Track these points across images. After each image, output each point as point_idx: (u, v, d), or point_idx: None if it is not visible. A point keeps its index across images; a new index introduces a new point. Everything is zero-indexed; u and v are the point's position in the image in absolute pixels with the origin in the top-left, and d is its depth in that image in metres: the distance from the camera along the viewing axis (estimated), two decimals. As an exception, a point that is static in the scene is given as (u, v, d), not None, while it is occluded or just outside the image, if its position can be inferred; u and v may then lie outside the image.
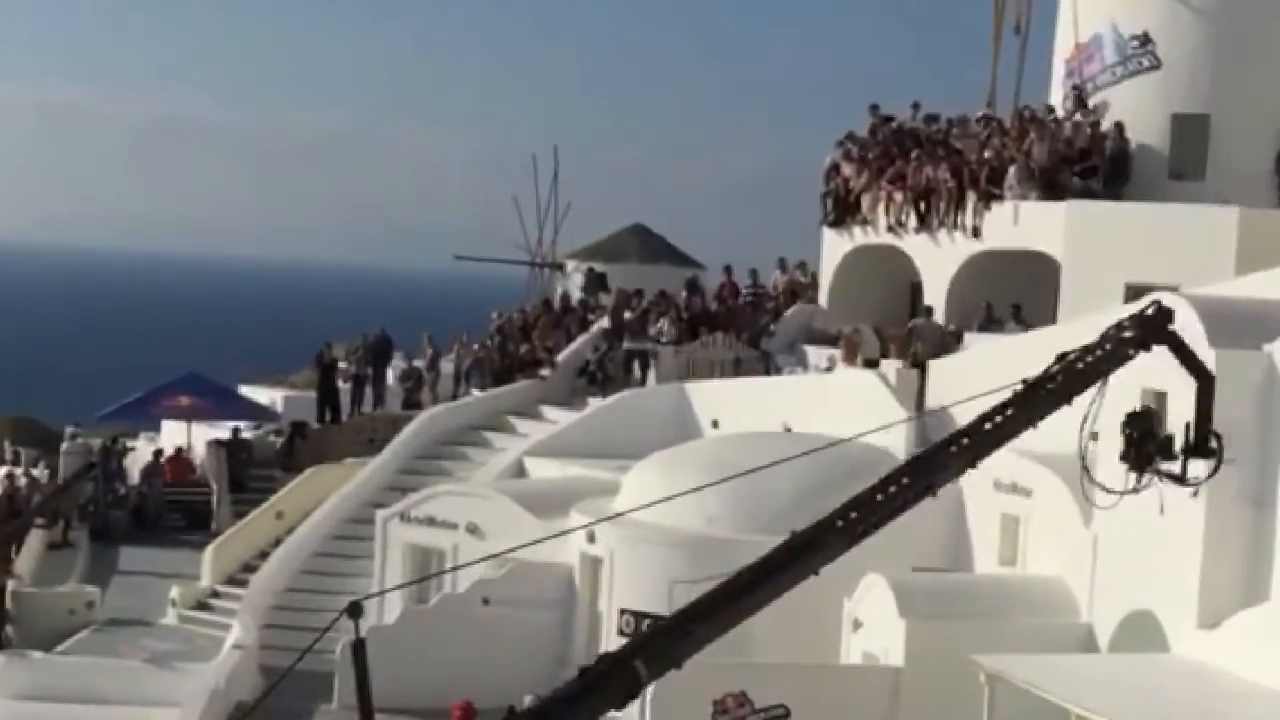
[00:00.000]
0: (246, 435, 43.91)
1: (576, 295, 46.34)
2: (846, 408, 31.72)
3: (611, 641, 28.69)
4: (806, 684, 24.07)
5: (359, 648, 15.97)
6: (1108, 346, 18.82)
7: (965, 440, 17.82)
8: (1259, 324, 22.15)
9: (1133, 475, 20.17)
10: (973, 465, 18.05)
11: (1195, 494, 21.13)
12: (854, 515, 17.00)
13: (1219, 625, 21.54)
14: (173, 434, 45.12)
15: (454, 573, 31.79)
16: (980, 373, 30.64)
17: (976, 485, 27.29)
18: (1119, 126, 35.88)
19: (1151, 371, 23.00)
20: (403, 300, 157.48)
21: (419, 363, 45.07)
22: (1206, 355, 21.81)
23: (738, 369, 38.55)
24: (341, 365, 45.26)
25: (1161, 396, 22.60)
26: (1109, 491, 20.22)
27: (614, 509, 30.27)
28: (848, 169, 40.07)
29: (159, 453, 43.00)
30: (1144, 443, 20.14)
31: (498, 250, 56.39)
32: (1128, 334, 18.99)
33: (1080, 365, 18.82)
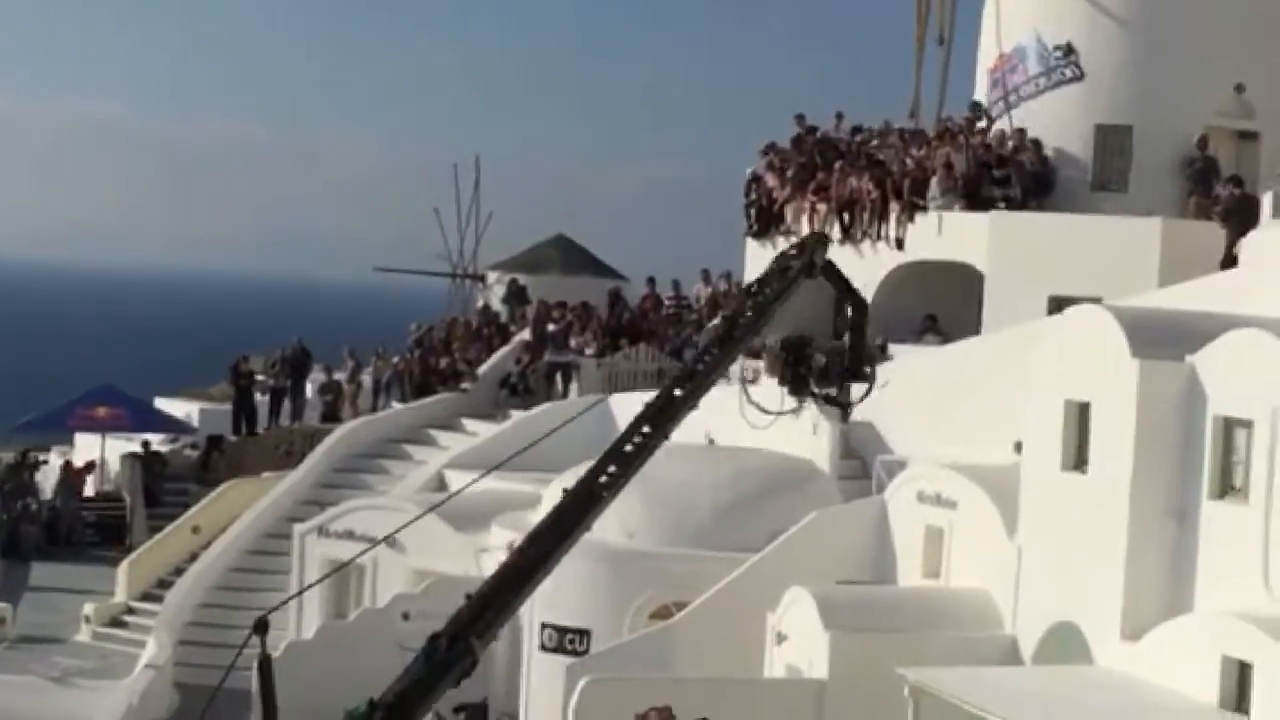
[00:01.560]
0: (161, 449, 43.65)
1: (498, 307, 46.31)
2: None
3: (534, 656, 28.68)
4: (730, 697, 24.07)
5: (265, 665, 15.97)
6: (777, 278, 20.36)
7: (689, 383, 19.41)
8: (1182, 335, 22.35)
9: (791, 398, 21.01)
10: (696, 405, 19.49)
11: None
12: (613, 470, 18.75)
13: (1142, 637, 21.70)
14: (86, 448, 44.83)
15: (372, 588, 31.78)
16: (904, 384, 30.96)
17: (901, 498, 27.44)
18: (1036, 143, 36.09)
19: (1073, 383, 23.23)
20: (322, 312, 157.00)
21: (339, 375, 44.94)
22: (1129, 366, 22.03)
23: (660, 380, 38.54)
24: (259, 377, 45.08)
25: (1085, 407, 22.86)
26: (765, 411, 20.73)
27: (534, 522, 30.25)
28: (771, 180, 40.17)
29: (68, 465, 42.69)
30: (798, 366, 20.65)
31: (419, 261, 56.39)
32: (794, 263, 20.48)
33: (760, 298, 20.42)
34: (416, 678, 15.99)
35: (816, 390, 20.52)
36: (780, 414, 20.48)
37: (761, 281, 20.29)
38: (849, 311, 20.97)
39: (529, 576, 17.02)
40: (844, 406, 20.93)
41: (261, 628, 15.70)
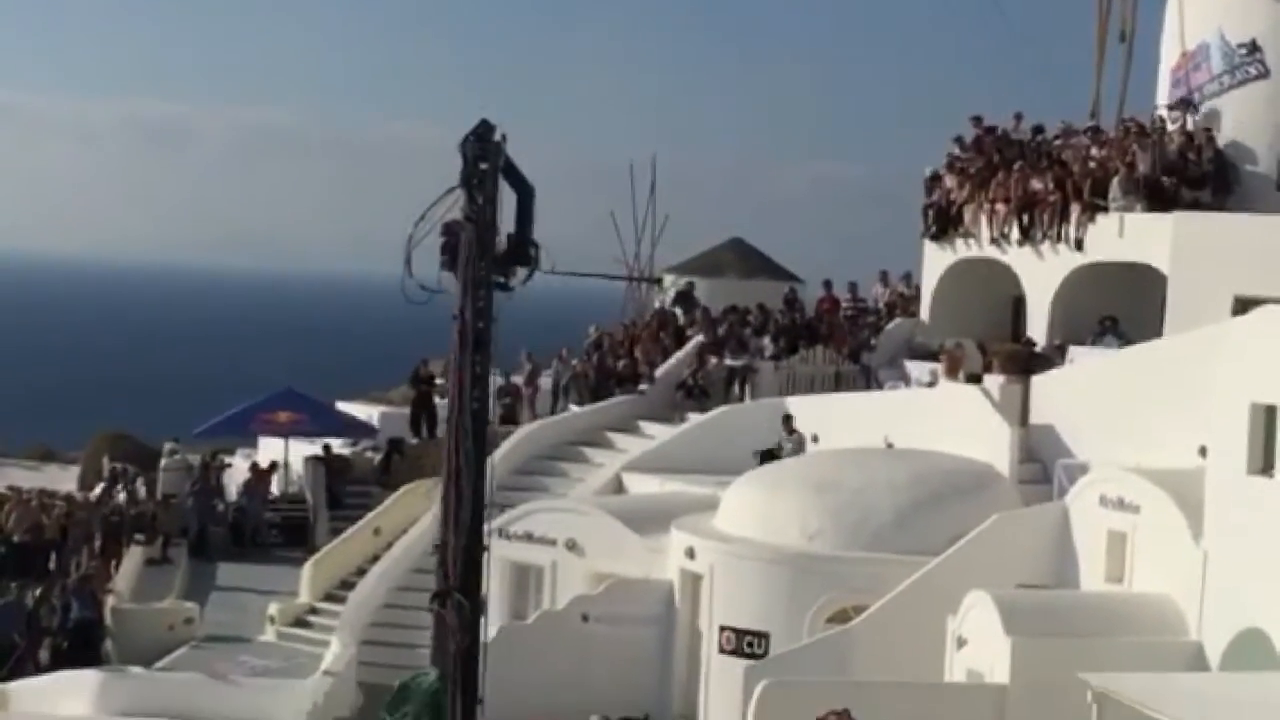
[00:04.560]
0: (343, 451, 44.20)
1: (673, 310, 46.40)
2: (948, 423, 31.69)
3: (712, 659, 28.80)
4: (910, 702, 24.03)
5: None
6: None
7: None
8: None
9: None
10: None
11: None
12: None
13: (1332, 644, 21.38)
14: (269, 450, 45.51)
15: (552, 590, 32.02)
16: (1085, 387, 30.71)
17: (1083, 502, 27.22)
18: (1215, 139, 35.63)
19: (1260, 385, 22.90)
20: (500, 315, 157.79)
21: (517, 378, 45.25)
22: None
23: (838, 384, 38.55)
24: (439, 381, 45.45)
25: (1272, 409, 22.53)
26: (425, 289, 20.25)
27: (714, 525, 30.40)
28: (950, 181, 40.02)
29: (254, 466, 43.33)
30: (455, 250, 20.22)
31: (596, 265, 56.58)
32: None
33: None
34: None
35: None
36: (437, 292, 19.82)
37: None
38: (516, 201, 20.53)
39: None
40: (506, 288, 20.57)
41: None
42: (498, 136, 20.11)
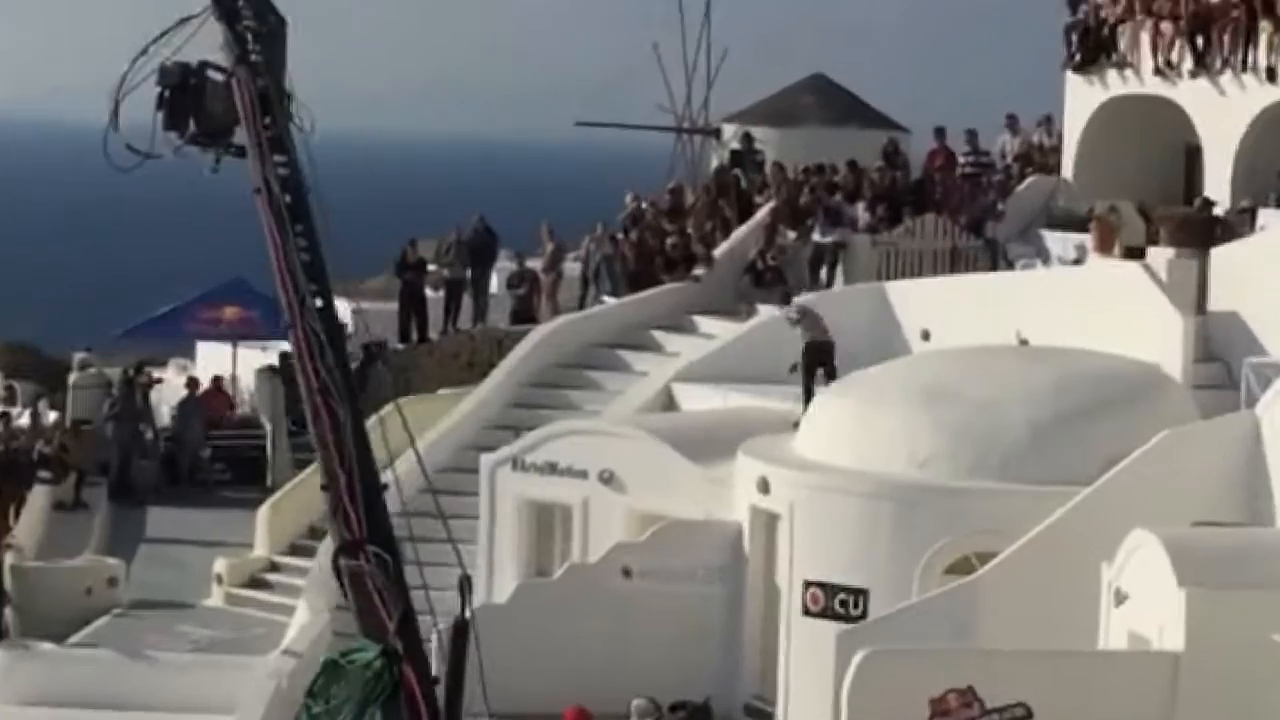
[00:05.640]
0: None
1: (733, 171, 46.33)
2: (1101, 312, 31.61)
3: (794, 624, 28.85)
4: (1053, 676, 24.03)
5: (461, 630, 16.17)
6: None
7: None
8: None
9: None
10: None
11: None
12: None
13: None
14: (211, 360, 45.64)
15: (583, 537, 32.10)
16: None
17: (1278, 413, 27.12)
18: None
19: None
20: (510, 181, 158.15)
21: (533, 263, 45.26)
22: None
23: (954, 263, 38.48)
24: (431, 268, 45.54)
25: None
26: (134, 150, 20.16)
27: (794, 449, 30.39)
28: (1102, -7, 39.93)
29: (194, 383, 43.46)
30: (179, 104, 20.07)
31: (635, 114, 56.51)
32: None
33: None
34: None
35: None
36: (151, 156, 19.82)
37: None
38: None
39: None
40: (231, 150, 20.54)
41: (465, 588, 15.99)
42: None
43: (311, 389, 17.39)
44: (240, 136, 18.62)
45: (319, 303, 17.45)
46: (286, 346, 43.66)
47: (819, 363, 32.31)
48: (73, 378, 44.43)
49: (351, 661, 16.10)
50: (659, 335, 38.93)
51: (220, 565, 36.38)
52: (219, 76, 18.35)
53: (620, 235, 43.06)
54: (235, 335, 44.45)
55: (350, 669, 16.03)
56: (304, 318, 17.39)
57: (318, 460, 16.77)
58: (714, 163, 49.33)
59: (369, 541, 16.55)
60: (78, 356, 46.56)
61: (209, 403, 42.99)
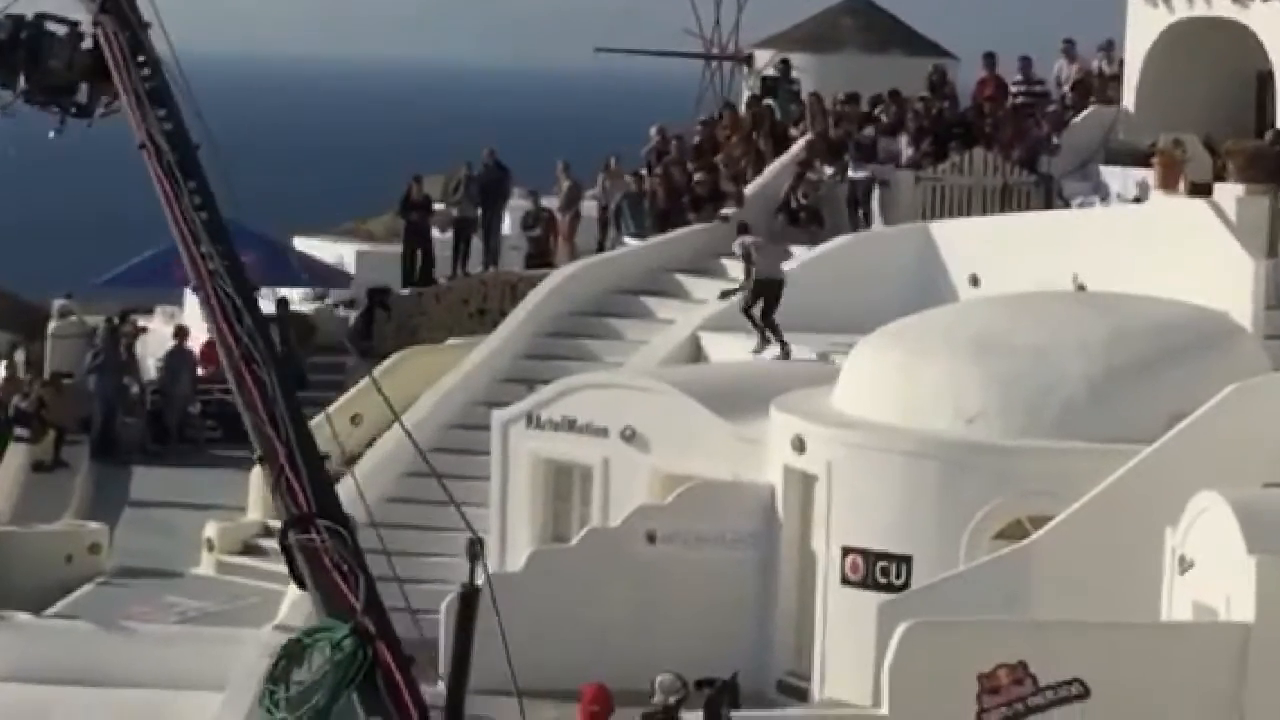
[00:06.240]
0: (304, 308, 44.34)
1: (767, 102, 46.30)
2: (1164, 254, 31.56)
3: (832, 593, 28.87)
4: (1112, 650, 24.09)
5: (469, 600, 16.12)
6: None
7: None
8: None
9: None
10: None
11: None
12: None
13: None
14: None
15: (603, 499, 32.13)
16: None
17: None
18: None
19: None
20: (522, 113, 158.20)
21: (549, 201, 45.24)
22: None
23: (1005, 201, 38.42)
24: (438, 207, 45.55)
25: None
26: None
27: (831, 405, 30.40)
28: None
29: (183, 333, 43.47)
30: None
31: (658, 40, 56.46)
32: None
33: None
34: None
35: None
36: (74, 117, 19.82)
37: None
38: None
39: None
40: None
41: (476, 552, 15.93)
42: None
43: (233, 355, 17.27)
44: (83, 95, 18.70)
45: (225, 263, 17.35)
46: (284, 292, 44.00)
47: (765, 299, 33.78)
48: (52, 326, 44.51)
49: (318, 641, 15.93)
50: (685, 280, 38.90)
51: (211, 530, 36.44)
52: (60, 29, 18.35)
53: (644, 172, 43.02)
54: (227, 280, 44.33)
55: (317, 649, 15.85)
56: (212, 279, 17.33)
57: (251, 436, 16.63)
58: (746, 94, 49.29)
59: (318, 515, 16.41)
60: (57, 304, 46.60)
61: (200, 355, 42.97)
